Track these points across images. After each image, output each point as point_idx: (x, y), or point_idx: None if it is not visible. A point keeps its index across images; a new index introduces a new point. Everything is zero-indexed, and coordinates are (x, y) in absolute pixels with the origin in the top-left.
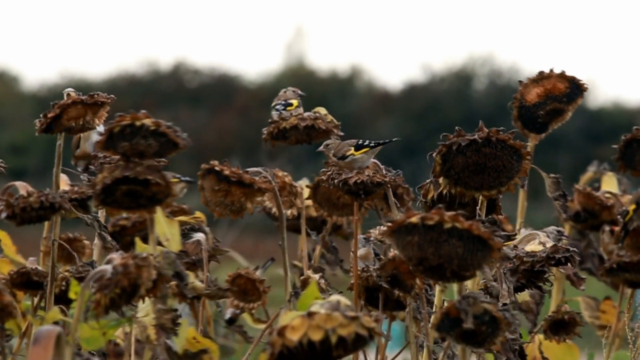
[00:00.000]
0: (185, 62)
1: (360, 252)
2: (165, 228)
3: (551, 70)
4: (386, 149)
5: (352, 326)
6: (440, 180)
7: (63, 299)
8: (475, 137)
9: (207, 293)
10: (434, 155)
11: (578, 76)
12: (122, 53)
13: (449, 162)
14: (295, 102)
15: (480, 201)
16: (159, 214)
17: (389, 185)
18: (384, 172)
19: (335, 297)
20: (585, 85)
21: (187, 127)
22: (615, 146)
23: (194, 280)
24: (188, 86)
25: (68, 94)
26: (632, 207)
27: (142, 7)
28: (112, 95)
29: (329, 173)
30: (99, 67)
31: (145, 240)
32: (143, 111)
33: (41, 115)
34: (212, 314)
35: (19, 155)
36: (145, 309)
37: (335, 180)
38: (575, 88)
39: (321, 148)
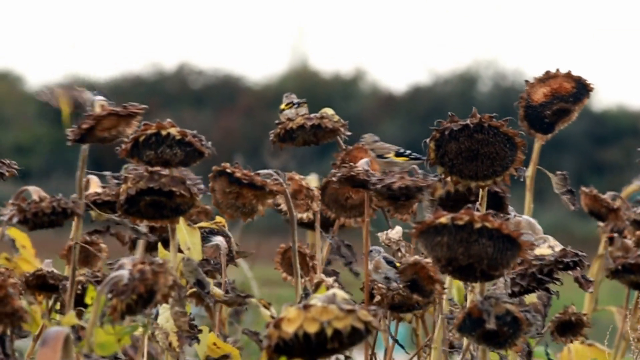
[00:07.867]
0: (189, 63)
1: (370, 266)
2: (187, 236)
3: (557, 70)
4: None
5: (348, 319)
6: (438, 169)
7: (77, 303)
8: (468, 122)
9: (225, 300)
10: (427, 141)
11: (584, 76)
12: (126, 54)
13: (442, 148)
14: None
15: (481, 196)
16: (181, 222)
17: (427, 190)
18: (420, 175)
19: (332, 290)
20: (592, 85)
21: (191, 127)
22: None
23: (213, 286)
24: (192, 87)
25: (102, 105)
26: None
27: (145, 7)
28: (145, 106)
29: (339, 174)
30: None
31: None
32: (168, 120)
33: (74, 125)
34: (227, 316)
35: (23, 156)
36: (165, 315)
37: (379, 185)
38: (581, 88)
39: (366, 140)
